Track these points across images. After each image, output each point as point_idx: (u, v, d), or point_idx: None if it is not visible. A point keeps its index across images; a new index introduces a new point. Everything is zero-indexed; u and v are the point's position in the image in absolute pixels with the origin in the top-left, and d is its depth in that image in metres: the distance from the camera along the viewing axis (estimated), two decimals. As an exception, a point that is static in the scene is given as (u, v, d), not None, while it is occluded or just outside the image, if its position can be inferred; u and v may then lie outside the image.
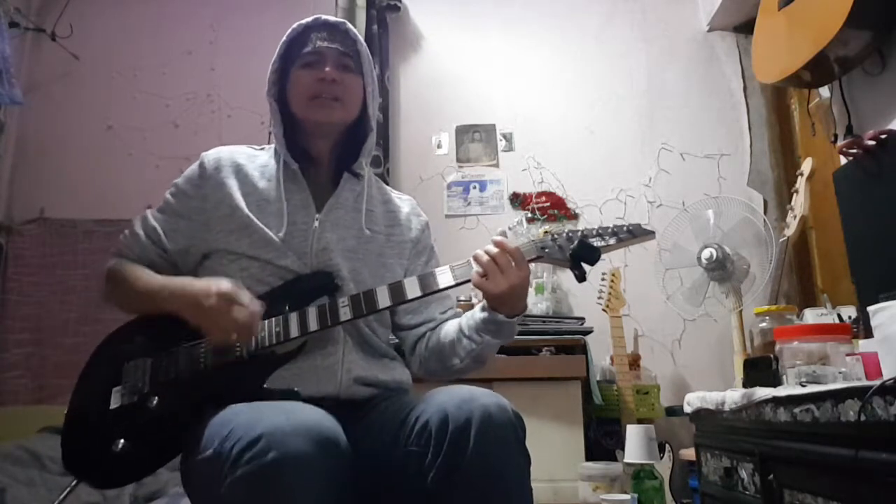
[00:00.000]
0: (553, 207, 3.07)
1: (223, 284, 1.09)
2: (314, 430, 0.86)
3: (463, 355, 1.21)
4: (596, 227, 1.16)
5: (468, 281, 1.14)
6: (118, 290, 1.24)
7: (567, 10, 3.27)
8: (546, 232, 2.92)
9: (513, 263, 1.10)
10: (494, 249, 1.11)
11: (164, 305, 1.14)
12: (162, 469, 1.12)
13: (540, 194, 3.09)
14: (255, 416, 0.89)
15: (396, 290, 1.14)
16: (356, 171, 1.31)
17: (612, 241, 1.14)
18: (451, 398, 1.00)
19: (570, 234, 1.14)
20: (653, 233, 1.16)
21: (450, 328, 1.26)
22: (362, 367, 1.17)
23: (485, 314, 1.17)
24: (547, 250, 1.14)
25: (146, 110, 3.24)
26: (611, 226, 1.15)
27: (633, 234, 1.14)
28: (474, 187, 3.13)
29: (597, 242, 1.13)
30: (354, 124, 1.30)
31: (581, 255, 1.12)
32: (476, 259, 1.12)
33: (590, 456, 2.29)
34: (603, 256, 1.14)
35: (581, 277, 1.12)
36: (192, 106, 3.26)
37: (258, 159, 1.30)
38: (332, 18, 1.29)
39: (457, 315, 1.32)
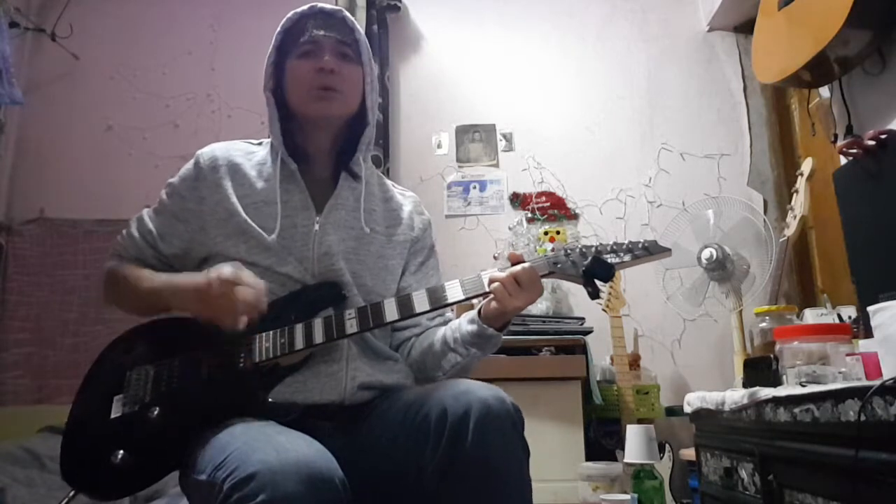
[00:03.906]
0: (553, 207, 3.07)
1: (224, 270, 1.07)
2: (305, 469, 0.84)
3: (448, 368, 1.20)
4: (610, 242, 1.14)
5: (478, 295, 1.13)
6: (119, 291, 1.22)
7: (567, 10, 3.27)
8: (546, 232, 2.95)
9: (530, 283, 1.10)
10: (517, 269, 1.11)
11: (169, 303, 1.13)
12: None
13: (540, 194, 3.09)
14: (250, 447, 0.88)
15: (404, 304, 1.12)
16: (353, 170, 1.27)
17: (626, 258, 1.12)
18: (450, 391, 1.00)
19: (584, 250, 1.12)
20: (669, 250, 1.14)
21: (434, 338, 1.24)
22: (367, 373, 1.15)
23: (473, 327, 1.16)
24: (559, 266, 1.12)
25: (146, 110, 3.24)
26: (626, 242, 1.13)
27: (649, 251, 1.13)
28: (474, 187, 3.13)
29: (611, 259, 1.11)
30: (354, 117, 1.26)
31: (595, 271, 1.10)
32: (496, 279, 1.11)
33: (590, 456, 2.29)
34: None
35: (594, 294, 1.11)
36: (192, 106, 3.26)
37: (255, 156, 1.26)
38: (328, 6, 1.24)
39: (445, 322, 1.30)
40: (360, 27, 1.27)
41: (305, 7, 1.23)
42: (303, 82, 1.20)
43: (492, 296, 1.12)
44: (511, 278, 1.10)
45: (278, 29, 1.24)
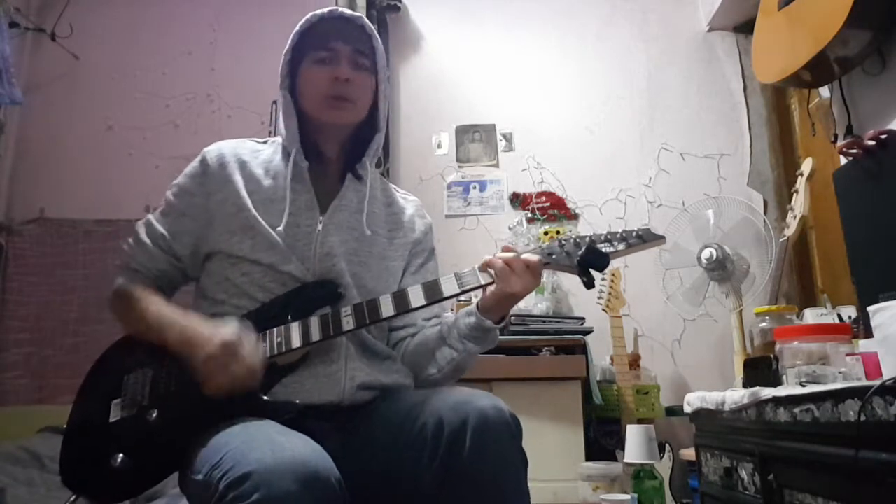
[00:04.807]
0: (553, 207, 3.07)
1: (227, 332, 1.03)
2: (301, 469, 0.83)
3: (443, 365, 1.19)
4: (604, 232, 1.13)
5: (473, 289, 1.13)
6: (125, 315, 1.18)
7: (567, 10, 3.27)
8: (546, 232, 2.95)
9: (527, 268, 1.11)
10: (510, 255, 1.11)
11: (168, 344, 1.09)
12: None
13: (540, 194, 3.09)
14: (247, 446, 0.88)
15: (400, 300, 1.12)
16: (359, 172, 1.27)
17: (621, 247, 1.12)
18: (448, 400, 1.00)
19: (578, 240, 1.12)
20: (663, 237, 1.14)
21: (429, 336, 1.23)
22: (365, 373, 1.15)
23: (471, 320, 1.15)
24: (554, 256, 1.12)
25: (146, 110, 3.24)
26: (620, 231, 1.13)
27: (643, 238, 1.12)
28: (474, 187, 3.13)
29: (606, 248, 1.11)
30: (363, 123, 1.26)
31: (590, 261, 1.10)
32: (489, 264, 1.11)
33: (590, 456, 2.29)
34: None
35: (590, 284, 1.11)
36: (192, 106, 3.27)
37: (262, 154, 1.26)
38: (347, 11, 1.23)
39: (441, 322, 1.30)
40: (376, 31, 1.26)
41: (325, 11, 1.22)
42: (317, 89, 1.20)
43: (491, 287, 1.12)
44: (514, 260, 1.10)
45: (296, 29, 1.23)
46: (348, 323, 1.10)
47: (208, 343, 1.02)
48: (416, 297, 1.12)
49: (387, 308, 1.11)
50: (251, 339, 1.06)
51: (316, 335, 1.09)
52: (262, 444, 0.87)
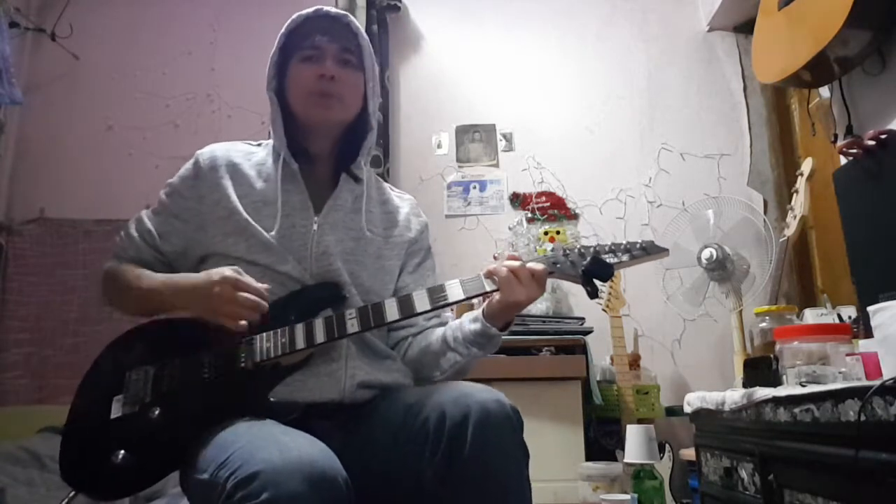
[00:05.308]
0: (553, 207, 3.07)
1: (225, 270, 1.10)
2: (308, 468, 0.84)
3: (446, 367, 1.20)
4: (609, 242, 1.15)
5: (478, 295, 1.14)
6: (117, 291, 1.22)
7: (567, 9, 3.27)
8: (546, 232, 2.95)
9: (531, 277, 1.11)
10: (515, 263, 1.11)
11: (169, 302, 1.13)
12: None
13: (540, 194, 3.09)
14: (253, 445, 0.88)
15: (405, 304, 1.13)
16: (355, 173, 1.28)
17: (625, 258, 1.13)
18: (448, 395, 1.00)
19: (583, 250, 1.14)
20: (666, 250, 1.15)
21: (433, 339, 1.24)
22: (366, 372, 1.16)
23: (477, 326, 1.16)
24: (559, 266, 1.14)
25: (146, 110, 3.24)
26: (624, 242, 1.14)
27: (647, 251, 1.14)
28: (474, 187, 3.13)
29: (610, 259, 1.12)
30: (354, 122, 1.27)
31: (594, 271, 1.12)
32: (494, 272, 1.12)
33: (590, 456, 2.29)
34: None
35: (593, 294, 1.12)
36: (192, 106, 3.26)
37: (254, 157, 1.27)
38: (332, 10, 1.25)
39: (442, 323, 1.30)
40: (362, 29, 1.27)
41: (310, 10, 1.24)
42: (303, 87, 1.21)
43: (496, 294, 1.13)
44: (519, 268, 1.11)
45: (282, 30, 1.25)
46: (353, 326, 1.11)
47: (209, 285, 1.08)
48: (422, 301, 1.13)
49: (391, 312, 1.12)
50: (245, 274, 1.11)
51: (320, 337, 1.10)
52: (269, 444, 0.88)
